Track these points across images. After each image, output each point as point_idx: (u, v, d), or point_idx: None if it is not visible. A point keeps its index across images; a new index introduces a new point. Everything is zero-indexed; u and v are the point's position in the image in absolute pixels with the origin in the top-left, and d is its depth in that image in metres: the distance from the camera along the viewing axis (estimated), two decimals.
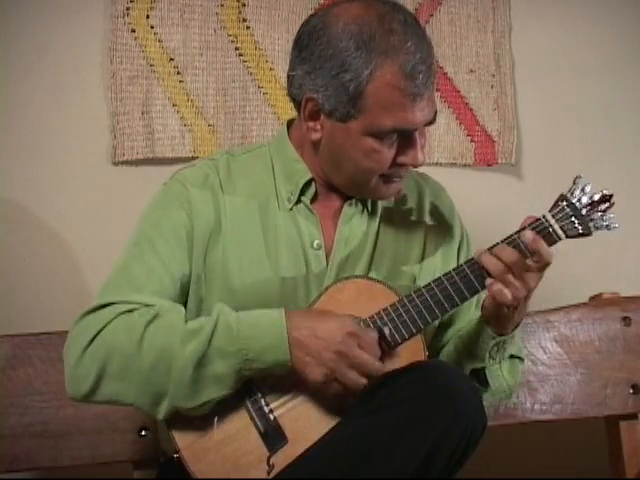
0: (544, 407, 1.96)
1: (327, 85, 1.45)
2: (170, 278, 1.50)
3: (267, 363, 1.39)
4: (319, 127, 1.50)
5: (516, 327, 1.53)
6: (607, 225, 1.52)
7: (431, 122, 1.51)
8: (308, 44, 1.47)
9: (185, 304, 1.53)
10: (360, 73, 1.42)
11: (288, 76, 1.53)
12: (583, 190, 1.52)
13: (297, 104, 1.53)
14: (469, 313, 1.68)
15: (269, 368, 1.40)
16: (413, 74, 1.42)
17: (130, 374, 1.39)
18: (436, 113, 1.51)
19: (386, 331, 1.43)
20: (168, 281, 1.50)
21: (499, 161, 2.33)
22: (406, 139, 1.48)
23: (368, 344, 1.40)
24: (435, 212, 1.69)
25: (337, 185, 1.58)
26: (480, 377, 1.57)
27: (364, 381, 1.39)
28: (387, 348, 1.44)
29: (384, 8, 1.46)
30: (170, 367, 1.38)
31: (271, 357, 1.39)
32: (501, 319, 1.49)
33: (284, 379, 1.43)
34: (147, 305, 1.45)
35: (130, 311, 1.43)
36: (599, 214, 1.51)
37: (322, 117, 1.49)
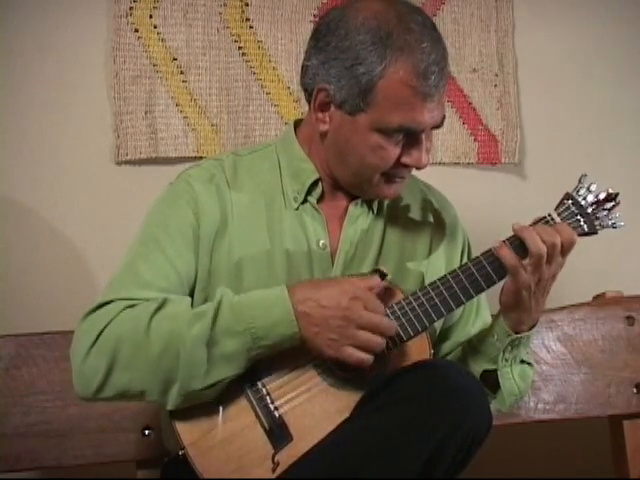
0: (547, 406, 1.96)
1: (340, 76, 1.46)
2: (176, 276, 1.50)
3: (276, 338, 1.39)
4: (328, 119, 1.51)
5: (532, 327, 1.53)
6: (613, 224, 1.52)
7: (438, 126, 1.51)
8: (326, 35, 1.48)
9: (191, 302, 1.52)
10: (374, 67, 1.43)
11: (302, 66, 1.54)
12: (589, 189, 1.52)
13: (308, 95, 1.53)
14: (468, 325, 1.68)
15: (278, 343, 1.40)
16: (426, 74, 1.43)
17: (139, 362, 1.39)
18: (444, 118, 1.51)
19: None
20: (174, 278, 1.50)
21: (502, 160, 2.33)
22: (412, 140, 1.48)
23: (373, 304, 1.40)
24: (440, 218, 1.69)
25: (340, 181, 1.58)
26: (488, 383, 1.57)
27: (379, 339, 1.39)
28: (392, 346, 1.44)
29: (405, 8, 1.47)
30: (178, 350, 1.38)
31: (279, 332, 1.39)
32: (520, 308, 1.49)
33: (290, 376, 1.44)
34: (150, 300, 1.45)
35: (133, 306, 1.44)
36: (605, 213, 1.52)
37: (332, 109, 1.49)
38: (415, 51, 1.43)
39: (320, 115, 1.52)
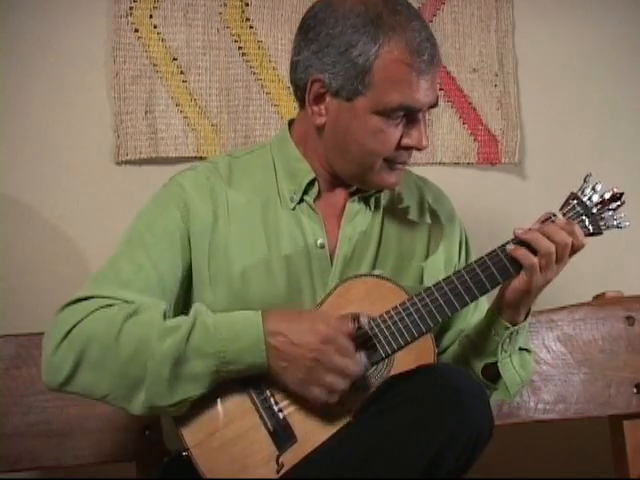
0: (547, 406, 1.95)
1: (335, 62, 1.46)
2: (158, 278, 1.49)
3: (244, 365, 1.39)
4: (324, 111, 1.51)
5: (527, 315, 1.54)
6: (618, 224, 1.52)
7: (434, 105, 1.52)
8: (315, 26, 1.49)
9: (178, 305, 1.52)
10: (368, 49, 1.44)
11: (292, 62, 1.54)
12: (594, 188, 1.52)
13: (301, 90, 1.53)
14: (467, 319, 1.68)
15: (245, 370, 1.39)
16: (420, 50, 1.45)
17: (106, 365, 1.39)
18: (438, 98, 1.52)
19: (394, 330, 1.44)
20: (155, 280, 1.49)
21: (502, 160, 2.33)
22: (411, 121, 1.49)
23: (344, 348, 1.38)
24: (436, 213, 1.69)
25: (341, 174, 1.57)
26: (490, 375, 1.57)
27: (344, 384, 1.39)
28: (398, 348, 1.44)
29: None
30: (146, 362, 1.37)
31: (248, 359, 1.38)
32: (522, 304, 1.51)
33: None
34: (128, 302, 1.44)
35: (110, 305, 1.43)
36: (610, 213, 1.52)
37: (327, 99, 1.49)
38: (406, 29, 1.45)
39: (315, 108, 1.51)
